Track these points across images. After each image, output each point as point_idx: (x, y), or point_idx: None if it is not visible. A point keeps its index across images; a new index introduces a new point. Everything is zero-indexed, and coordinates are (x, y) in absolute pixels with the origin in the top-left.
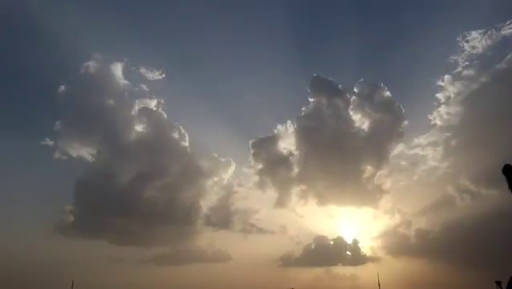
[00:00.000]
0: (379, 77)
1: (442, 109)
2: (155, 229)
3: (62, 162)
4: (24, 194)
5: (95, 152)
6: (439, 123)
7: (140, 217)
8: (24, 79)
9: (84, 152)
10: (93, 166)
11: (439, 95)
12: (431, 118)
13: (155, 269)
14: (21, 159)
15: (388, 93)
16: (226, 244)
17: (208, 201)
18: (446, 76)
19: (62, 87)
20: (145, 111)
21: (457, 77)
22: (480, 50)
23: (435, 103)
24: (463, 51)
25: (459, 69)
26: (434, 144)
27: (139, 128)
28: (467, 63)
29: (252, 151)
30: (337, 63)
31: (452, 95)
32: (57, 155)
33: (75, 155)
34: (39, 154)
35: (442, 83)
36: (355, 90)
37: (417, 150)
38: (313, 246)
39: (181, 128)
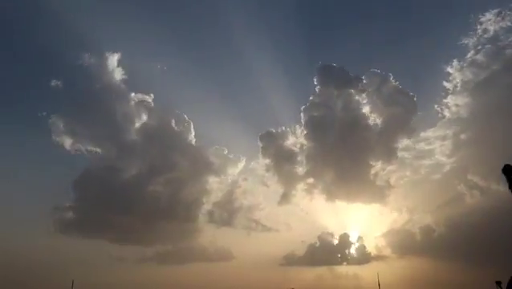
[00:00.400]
0: (387, 66)
1: (450, 100)
2: (156, 228)
3: (60, 160)
4: (23, 193)
5: (94, 148)
6: (447, 115)
7: (141, 215)
8: (19, 73)
9: (82, 148)
10: (92, 163)
11: (447, 84)
12: (438, 109)
13: (156, 268)
14: (20, 158)
15: (397, 83)
16: (229, 242)
17: (212, 198)
18: (455, 62)
19: (58, 81)
20: (144, 104)
21: (467, 63)
22: (491, 33)
23: (443, 93)
24: (475, 34)
25: (469, 54)
26: (442, 138)
27: (140, 122)
28: (479, 47)
29: (260, 144)
30: (344, 52)
31: (460, 84)
32: (53, 151)
33: (72, 152)
34: (37, 152)
35: (451, 70)
36: (364, 80)
37: (423, 144)
38: (317, 244)
39: (185, 122)
